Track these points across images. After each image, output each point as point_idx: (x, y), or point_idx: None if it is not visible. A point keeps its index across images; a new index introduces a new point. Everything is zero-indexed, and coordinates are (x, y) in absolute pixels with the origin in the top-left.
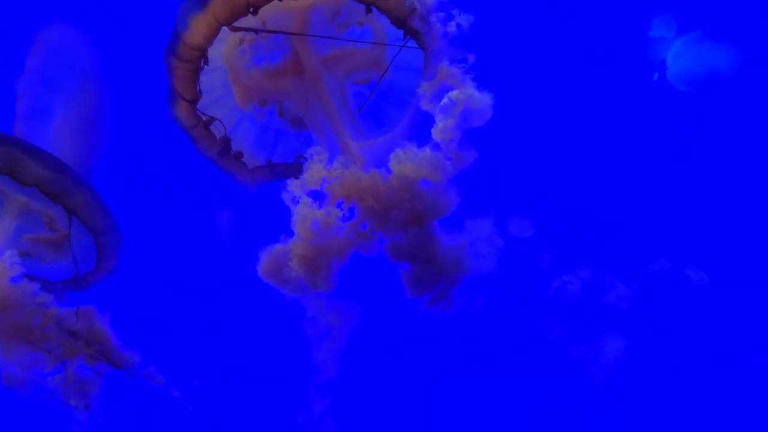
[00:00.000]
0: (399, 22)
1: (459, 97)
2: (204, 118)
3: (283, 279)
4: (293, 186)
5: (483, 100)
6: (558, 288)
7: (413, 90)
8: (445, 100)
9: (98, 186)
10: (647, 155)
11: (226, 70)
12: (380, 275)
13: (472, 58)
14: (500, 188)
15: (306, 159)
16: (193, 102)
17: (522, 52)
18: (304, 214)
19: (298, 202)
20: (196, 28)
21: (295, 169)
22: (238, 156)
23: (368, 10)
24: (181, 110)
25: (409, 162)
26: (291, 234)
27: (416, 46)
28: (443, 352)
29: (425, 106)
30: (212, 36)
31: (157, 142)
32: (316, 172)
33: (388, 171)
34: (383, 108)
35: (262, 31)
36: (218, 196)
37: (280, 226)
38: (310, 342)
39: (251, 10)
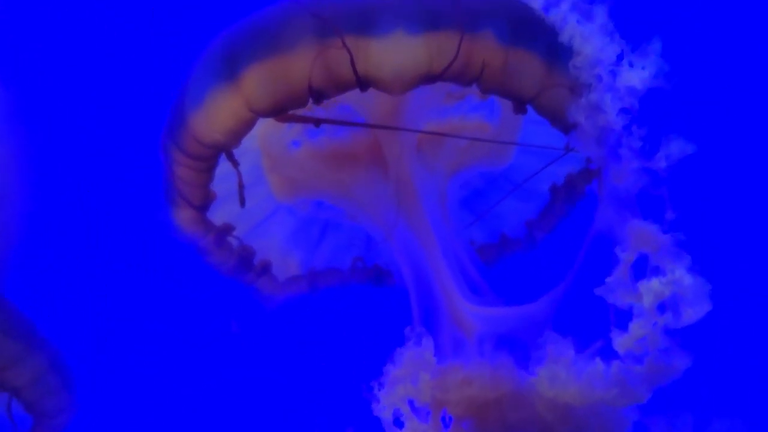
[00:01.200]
0: (563, 129)
1: (664, 290)
2: (218, 225)
3: None
4: (387, 399)
5: (698, 289)
6: None
7: (544, 178)
8: (648, 299)
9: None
10: None
11: (259, 153)
12: None
13: (671, 215)
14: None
15: (363, 263)
16: (203, 208)
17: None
18: None
19: (399, 420)
20: (215, 116)
21: (348, 278)
22: (265, 267)
23: (520, 109)
24: (184, 218)
25: (571, 385)
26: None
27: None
28: None
29: (618, 299)
30: (240, 132)
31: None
32: (422, 383)
33: (525, 369)
34: (493, 198)
35: (328, 122)
36: (229, 307)
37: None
38: None
39: (314, 98)
